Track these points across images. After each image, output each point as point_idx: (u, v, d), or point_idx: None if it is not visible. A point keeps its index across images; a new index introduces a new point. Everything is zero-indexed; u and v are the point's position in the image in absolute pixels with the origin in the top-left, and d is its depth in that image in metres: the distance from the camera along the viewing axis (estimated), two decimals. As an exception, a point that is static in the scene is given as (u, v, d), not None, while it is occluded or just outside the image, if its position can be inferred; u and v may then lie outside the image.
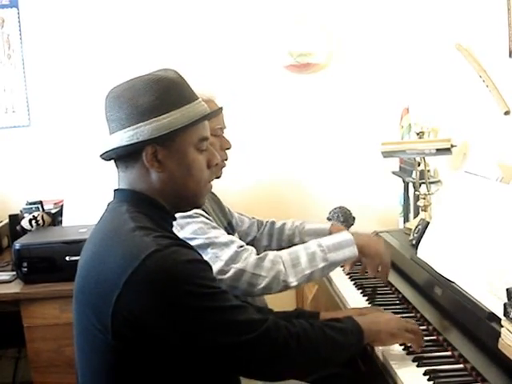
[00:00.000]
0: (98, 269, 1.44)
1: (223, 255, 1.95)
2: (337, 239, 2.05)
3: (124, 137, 1.48)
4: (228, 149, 2.21)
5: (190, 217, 2.00)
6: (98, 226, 1.57)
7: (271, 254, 1.99)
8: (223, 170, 2.18)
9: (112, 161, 1.58)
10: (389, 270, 2.15)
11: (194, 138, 1.53)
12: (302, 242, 2.21)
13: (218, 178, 2.19)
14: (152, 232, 1.44)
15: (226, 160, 2.21)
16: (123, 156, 1.52)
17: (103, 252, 1.45)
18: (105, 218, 1.56)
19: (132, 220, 1.46)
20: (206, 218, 2.06)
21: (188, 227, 1.98)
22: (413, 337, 1.71)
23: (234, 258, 1.95)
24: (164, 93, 1.49)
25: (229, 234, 2.21)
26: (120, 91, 1.51)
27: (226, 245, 1.97)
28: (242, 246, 2.01)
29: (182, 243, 1.48)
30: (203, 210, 2.10)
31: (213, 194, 2.35)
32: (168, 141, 1.49)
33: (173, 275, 1.37)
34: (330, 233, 2.36)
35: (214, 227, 2.03)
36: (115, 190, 1.59)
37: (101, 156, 1.56)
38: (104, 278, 1.40)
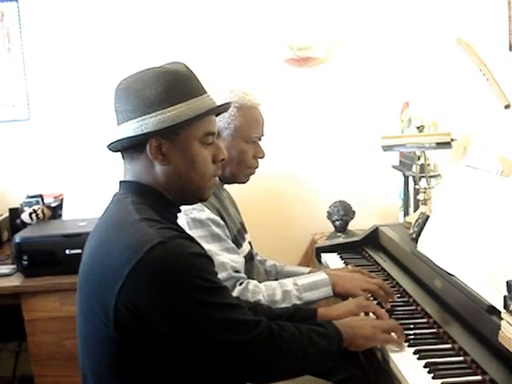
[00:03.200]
0: (102, 259, 1.45)
1: None
2: (312, 279, 2.07)
3: (130, 128, 1.49)
4: (261, 158, 2.24)
5: (200, 222, 2.02)
6: (103, 216, 1.58)
7: (251, 284, 2.02)
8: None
9: (117, 153, 1.59)
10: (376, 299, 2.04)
11: (199, 131, 1.54)
12: None
13: (243, 183, 2.24)
14: (156, 224, 1.44)
15: (257, 168, 2.24)
16: (128, 148, 1.53)
17: (108, 242, 1.46)
18: (110, 209, 1.57)
19: (137, 211, 1.47)
20: (218, 224, 2.06)
21: (195, 231, 1.99)
22: (389, 337, 1.71)
23: (224, 281, 1.94)
24: (171, 86, 1.49)
25: (241, 235, 2.22)
26: (128, 83, 1.52)
27: (223, 265, 1.98)
28: (237, 271, 2.03)
29: (186, 236, 1.49)
30: (219, 212, 2.12)
31: (227, 192, 2.36)
32: (172, 134, 1.50)
33: (176, 267, 1.38)
34: None
35: (219, 239, 2.04)
36: (120, 182, 1.60)
37: (108, 147, 1.57)
38: (108, 268, 1.41)
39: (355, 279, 2.08)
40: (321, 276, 2.08)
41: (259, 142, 2.25)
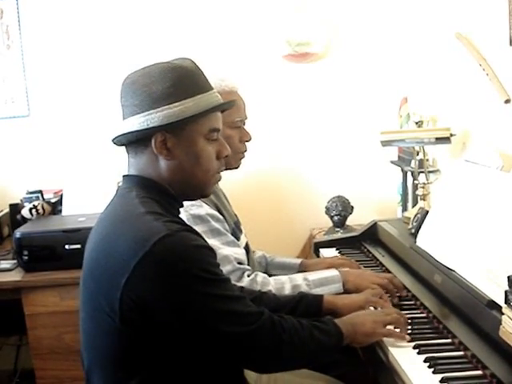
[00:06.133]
0: (108, 252, 1.45)
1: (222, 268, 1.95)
2: (323, 275, 2.08)
3: (135, 123, 1.50)
4: (248, 141, 2.21)
5: (200, 217, 2.01)
6: (106, 210, 1.59)
7: (260, 276, 2.02)
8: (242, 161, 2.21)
9: (120, 148, 1.60)
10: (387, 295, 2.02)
11: (205, 128, 1.55)
12: (268, 274, 2.20)
13: (236, 168, 2.20)
14: (161, 217, 1.46)
15: (246, 151, 2.22)
16: (133, 142, 1.54)
17: (113, 236, 1.47)
18: (114, 203, 1.58)
19: (142, 205, 1.49)
20: (217, 219, 2.06)
21: (195, 227, 1.98)
22: (391, 331, 1.72)
23: (230, 274, 1.96)
24: (178, 81, 1.50)
25: (238, 227, 2.22)
26: (135, 77, 1.53)
27: (227, 258, 1.99)
28: (240, 263, 2.03)
29: (190, 229, 1.51)
30: (217, 207, 2.11)
31: (219, 186, 2.35)
32: (178, 129, 1.51)
33: (183, 260, 1.39)
34: (300, 269, 2.35)
35: (219, 233, 2.04)
36: (124, 176, 1.61)
37: (112, 141, 1.58)
38: (114, 260, 1.42)
39: (365, 274, 2.11)
40: (332, 272, 2.08)
41: (244, 126, 2.22)
